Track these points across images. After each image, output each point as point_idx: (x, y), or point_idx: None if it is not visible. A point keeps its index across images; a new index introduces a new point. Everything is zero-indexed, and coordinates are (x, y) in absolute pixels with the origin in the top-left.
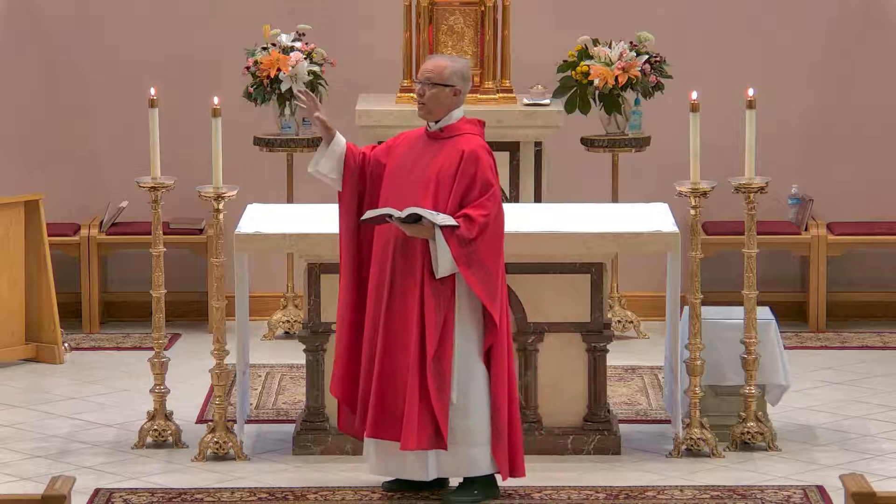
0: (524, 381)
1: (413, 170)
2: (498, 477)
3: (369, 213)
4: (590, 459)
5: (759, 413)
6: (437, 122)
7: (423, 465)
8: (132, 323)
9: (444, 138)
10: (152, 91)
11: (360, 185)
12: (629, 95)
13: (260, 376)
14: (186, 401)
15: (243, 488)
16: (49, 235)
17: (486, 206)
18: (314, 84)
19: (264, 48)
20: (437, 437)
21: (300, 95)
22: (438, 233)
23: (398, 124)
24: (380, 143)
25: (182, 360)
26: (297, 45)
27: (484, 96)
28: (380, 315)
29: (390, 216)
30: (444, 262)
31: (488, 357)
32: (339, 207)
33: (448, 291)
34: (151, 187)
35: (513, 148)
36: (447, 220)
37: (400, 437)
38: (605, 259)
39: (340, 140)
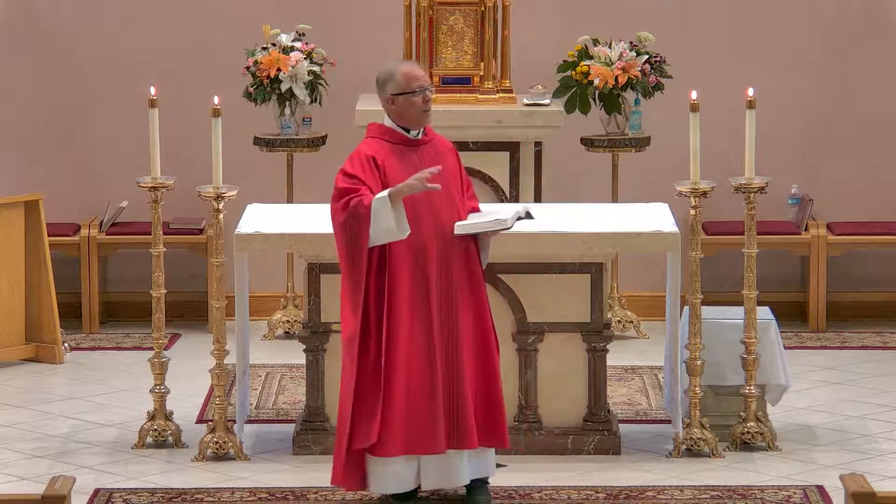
0: (524, 381)
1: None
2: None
3: (486, 226)
4: (590, 459)
5: (759, 413)
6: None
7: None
8: (132, 323)
9: (426, 142)
10: (152, 91)
11: None
12: (629, 95)
13: (260, 376)
14: (186, 401)
15: (243, 488)
16: (49, 235)
17: (476, 196)
18: (314, 84)
19: (264, 48)
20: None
21: (427, 180)
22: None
23: None
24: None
25: (182, 360)
26: (297, 45)
27: (484, 96)
28: (445, 324)
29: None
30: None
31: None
32: (365, 245)
33: None
34: (151, 187)
35: (513, 148)
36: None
37: (501, 441)
38: (605, 259)
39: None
